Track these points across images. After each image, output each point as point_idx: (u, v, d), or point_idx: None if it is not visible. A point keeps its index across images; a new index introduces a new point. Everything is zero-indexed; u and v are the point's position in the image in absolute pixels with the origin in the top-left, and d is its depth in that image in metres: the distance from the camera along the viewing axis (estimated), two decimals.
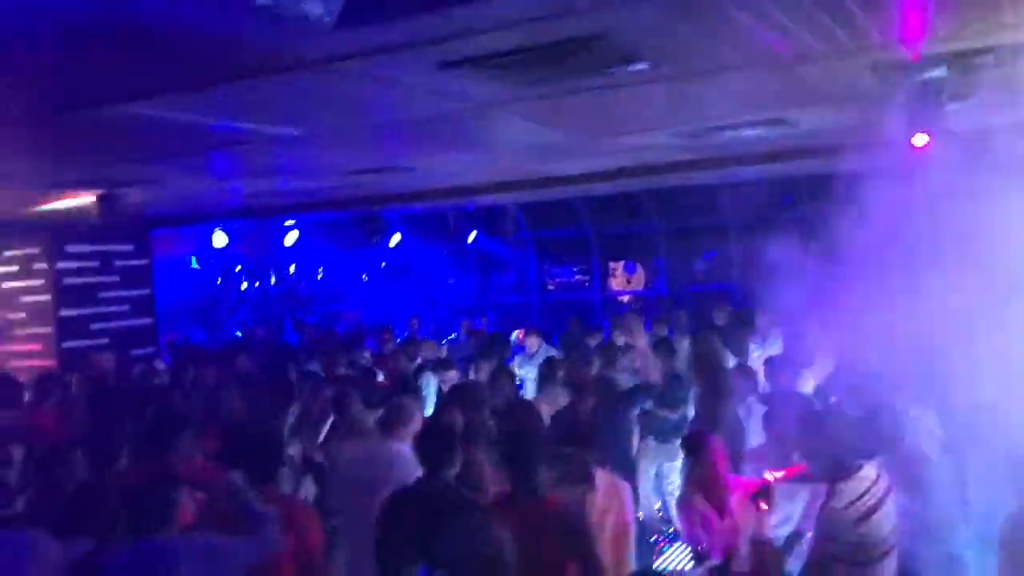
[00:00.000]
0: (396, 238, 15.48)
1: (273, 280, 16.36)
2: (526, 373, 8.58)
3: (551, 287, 17.46)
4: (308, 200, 9.96)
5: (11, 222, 9.79)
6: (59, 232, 10.39)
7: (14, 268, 10.73)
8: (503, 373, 6.99)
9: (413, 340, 9.62)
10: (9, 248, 10.70)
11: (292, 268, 16.60)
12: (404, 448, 4.71)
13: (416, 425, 4.96)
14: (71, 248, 10.65)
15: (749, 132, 6.48)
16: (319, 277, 17.21)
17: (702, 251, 16.11)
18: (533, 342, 9.10)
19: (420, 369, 8.17)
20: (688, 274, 16.34)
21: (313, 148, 6.09)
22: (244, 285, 15.79)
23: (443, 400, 6.53)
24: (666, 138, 6.65)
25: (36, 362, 10.18)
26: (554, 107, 5.23)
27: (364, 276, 17.55)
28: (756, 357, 7.70)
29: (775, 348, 7.80)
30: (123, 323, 11.13)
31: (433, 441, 4.29)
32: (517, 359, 9.00)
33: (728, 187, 11.78)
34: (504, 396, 6.38)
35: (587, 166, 8.24)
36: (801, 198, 12.30)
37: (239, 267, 15.68)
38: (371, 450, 5.11)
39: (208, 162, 6.36)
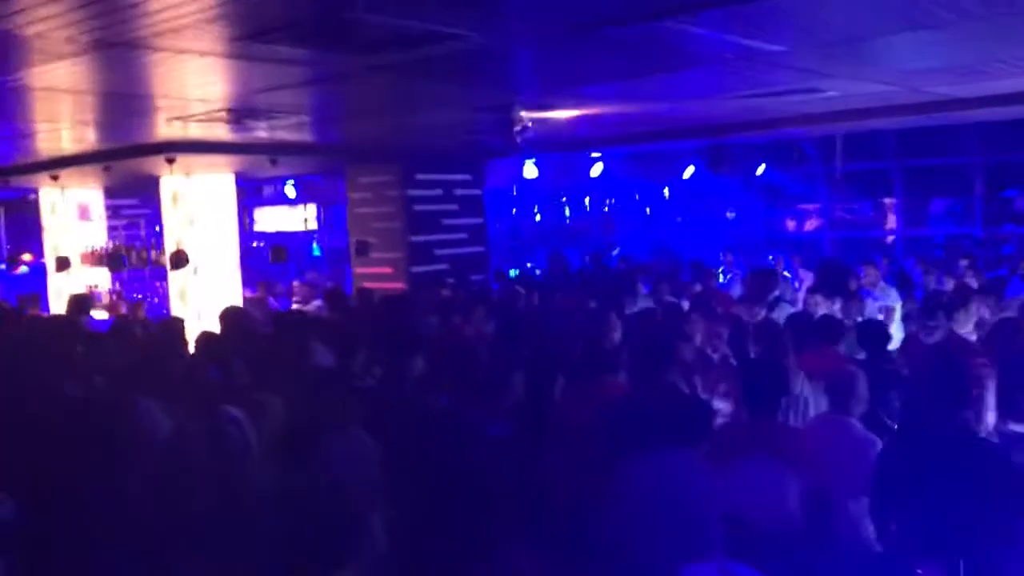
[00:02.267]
0: (690, 170, 15.19)
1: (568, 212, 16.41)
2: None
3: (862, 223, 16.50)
4: (661, 128, 9.70)
5: (368, 150, 10.17)
6: (410, 161, 10.74)
7: (368, 195, 11.21)
8: None
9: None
10: (365, 175, 11.17)
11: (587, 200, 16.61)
12: None
13: None
14: (420, 176, 10.99)
15: None
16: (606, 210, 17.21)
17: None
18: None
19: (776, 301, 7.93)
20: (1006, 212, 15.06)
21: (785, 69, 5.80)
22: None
23: None
24: None
25: (389, 284, 10.65)
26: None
27: (648, 209, 17.37)
28: None
29: None
30: (462, 250, 11.43)
31: None
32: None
33: None
34: None
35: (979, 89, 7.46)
36: None
37: (563, 198, 15.81)
38: None
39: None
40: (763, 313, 7.24)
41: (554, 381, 5.03)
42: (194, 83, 5.57)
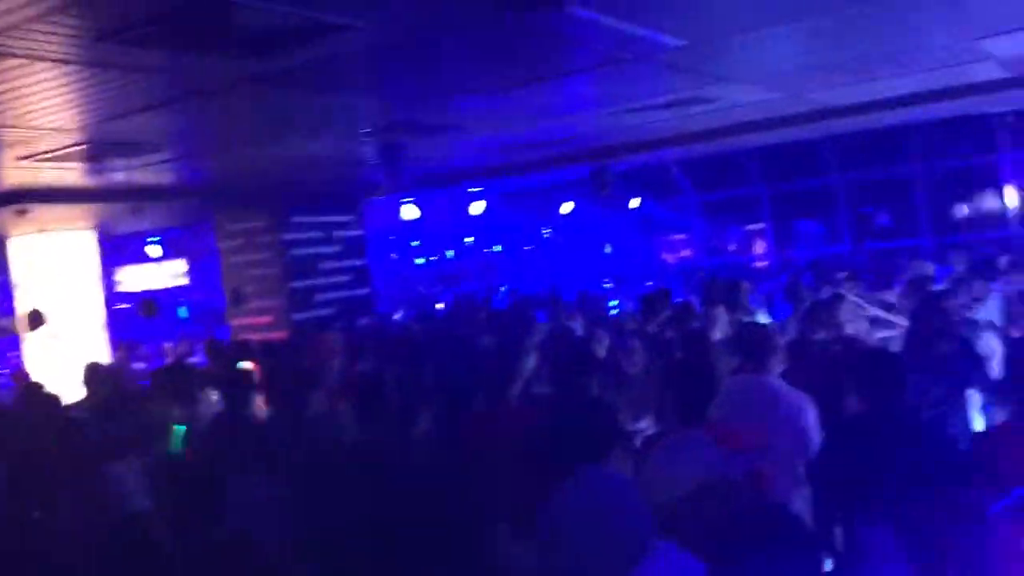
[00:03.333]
0: (568, 206, 15.27)
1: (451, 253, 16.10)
2: None
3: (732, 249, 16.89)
4: (543, 155, 9.54)
5: (239, 191, 9.60)
6: (285, 203, 10.21)
7: (240, 242, 10.58)
8: None
9: None
10: (236, 221, 10.55)
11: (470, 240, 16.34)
12: None
13: None
14: (296, 219, 10.46)
15: None
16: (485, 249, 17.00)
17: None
18: None
19: None
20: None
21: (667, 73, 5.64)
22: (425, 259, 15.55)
23: None
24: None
25: (270, 334, 10.02)
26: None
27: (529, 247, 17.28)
28: None
29: None
30: (345, 294, 10.92)
31: None
32: None
33: None
34: None
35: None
36: None
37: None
38: None
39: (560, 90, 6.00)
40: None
41: (466, 410, 4.71)
42: (41, 105, 4.96)
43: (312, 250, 10.63)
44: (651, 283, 13.41)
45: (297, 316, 10.28)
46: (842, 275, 10.52)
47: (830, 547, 3.76)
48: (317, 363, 6.50)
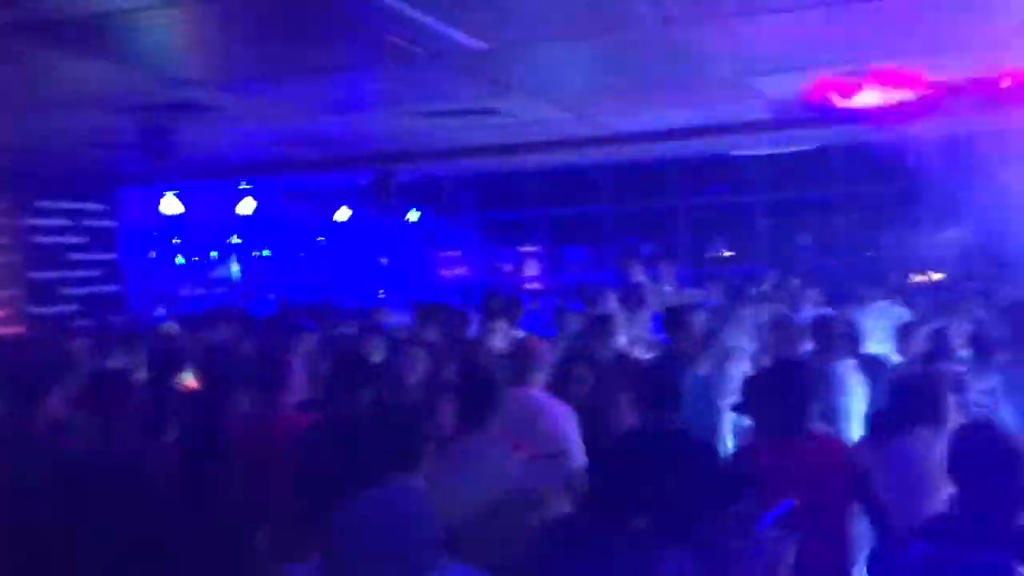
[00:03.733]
0: (345, 212, 14.97)
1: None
2: None
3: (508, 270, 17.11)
4: (323, 154, 9.13)
5: None
6: (28, 184, 9.16)
7: None
8: None
9: None
10: None
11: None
12: None
13: None
14: (40, 204, 9.41)
15: None
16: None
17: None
18: None
19: None
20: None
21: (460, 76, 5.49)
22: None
23: None
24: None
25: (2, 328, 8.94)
26: None
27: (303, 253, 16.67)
28: None
29: None
30: (95, 289, 9.95)
31: None
32: None
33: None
34: None
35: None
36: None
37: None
38: None
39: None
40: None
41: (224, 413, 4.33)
42: None
43: (57, 239, 9.61)
44: (426, 296, 13.28)
45: (36, 310, 9.22)
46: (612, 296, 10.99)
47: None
48: (55, 363, 5.78)
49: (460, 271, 17.48)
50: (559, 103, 6.80)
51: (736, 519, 3.23)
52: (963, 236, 11.76)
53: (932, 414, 4.06)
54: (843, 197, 13.40)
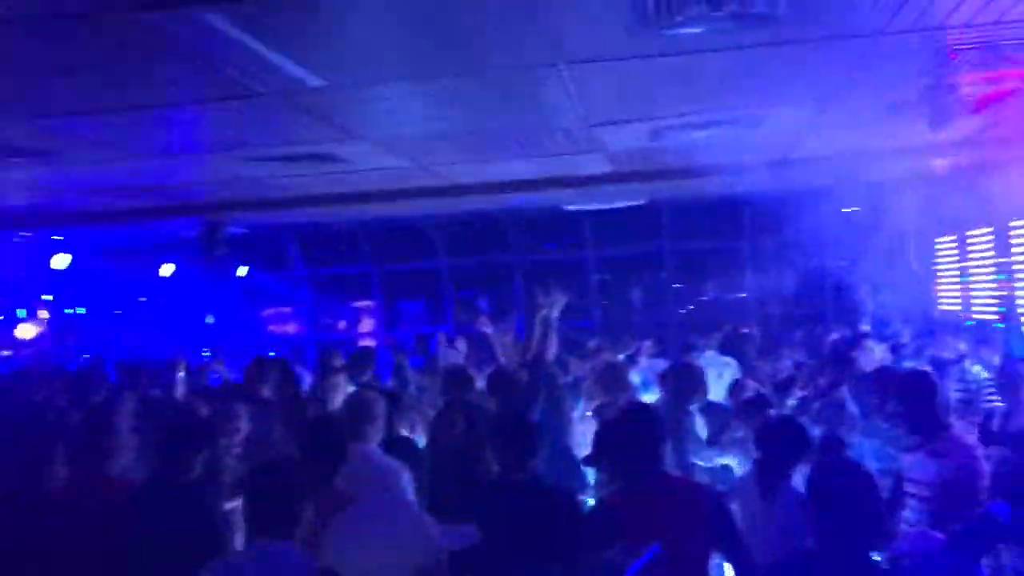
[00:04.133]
0: (169, 268, 14.30)
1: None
2: None
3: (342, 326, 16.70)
4: (144, 203, 8.59)
5: None
6: None
7: None
8: None
9: None
10: None
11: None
12: None
13: None
14: None
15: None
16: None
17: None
18: None
19: None
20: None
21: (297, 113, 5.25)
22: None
23: None
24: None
25: None
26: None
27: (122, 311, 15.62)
28: None
29: None
30: None
31: None
32: None
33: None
34: None
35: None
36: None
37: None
38: None
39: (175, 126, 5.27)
40: None
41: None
42: None
43: None
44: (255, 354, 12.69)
45: None
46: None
47: None
48: None
49: (290, 328, 16.96)
50: (398, 150, 6.66)
51: (604, 570, 3.13)
52: (786, 286, 12.40)
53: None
54: (671, 251, 13.88)
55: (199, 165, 6.86)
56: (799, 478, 4.11)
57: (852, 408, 5.94)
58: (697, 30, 4.08)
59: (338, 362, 8.54)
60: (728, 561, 3.63)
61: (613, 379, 6.21)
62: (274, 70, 4.35)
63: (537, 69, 4.64)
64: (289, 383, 7.21)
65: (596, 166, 7.59)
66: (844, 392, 5.96)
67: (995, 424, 5.57)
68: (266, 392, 6.93)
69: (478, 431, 4.52)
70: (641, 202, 10.70)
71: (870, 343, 7.24)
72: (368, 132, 5.98)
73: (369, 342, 16.31)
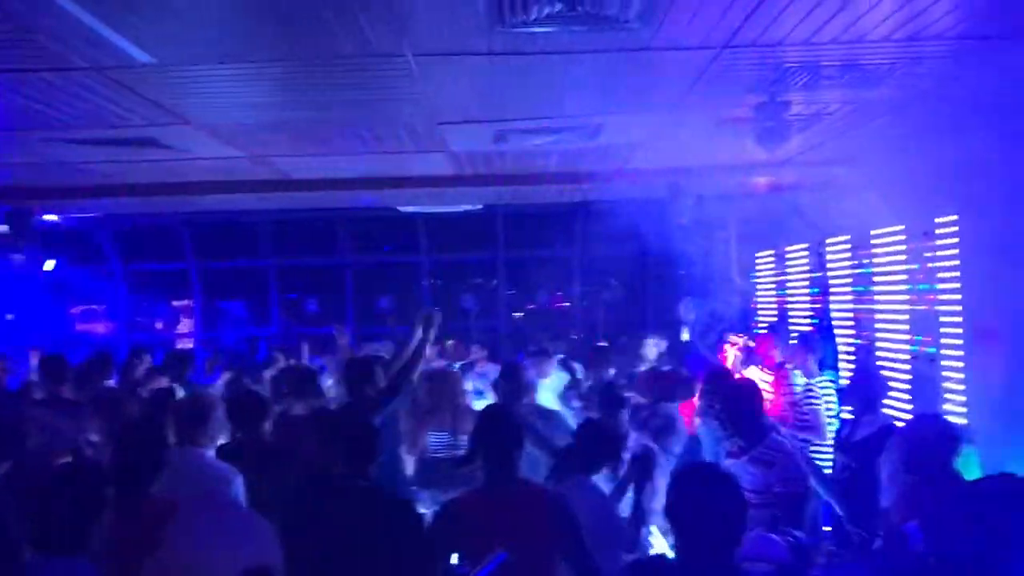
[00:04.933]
0: None
1: None
2: None
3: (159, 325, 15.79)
4: None
5: None
6: None
7: None
8: None
9: None
10: None
11: None
12: None
13: None
14: None
15: None
16: None
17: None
18: None
19: None
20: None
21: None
22: None
23: None
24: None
25: None
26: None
27: None
28: None
29: None
30: None
31: None
32: None
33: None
34: None
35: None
36: None
37: None
38: None
39: None
40: None
41: None
42: None
43: None
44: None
45: None
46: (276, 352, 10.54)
47: None
48: None
49: (101, 327, 15.93)
50: (230, 139, 6.30)
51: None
52: (613, 295, 12.73)
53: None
54: (504, 258, 13.96)
55: (5, 147, 6.24)
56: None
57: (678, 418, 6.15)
58: (549, 30, 4.07)
59: (146, 363, 8.10)
60: (571, 567, 3.59)
61: (443, 387, 6.09)
62: (98, 42, 3.99)
63: (383, 60, 4.47)
64: (99, 382, 6.76)
65: (437, 167, 7.47)
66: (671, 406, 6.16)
67: (844, 433, 5.91)
68: (67, 393, 6.49)
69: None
70: (479, 206, 10.67)
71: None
72: (198, 117, 5.61)
73: (187, 343, 15.55)
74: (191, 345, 15.33)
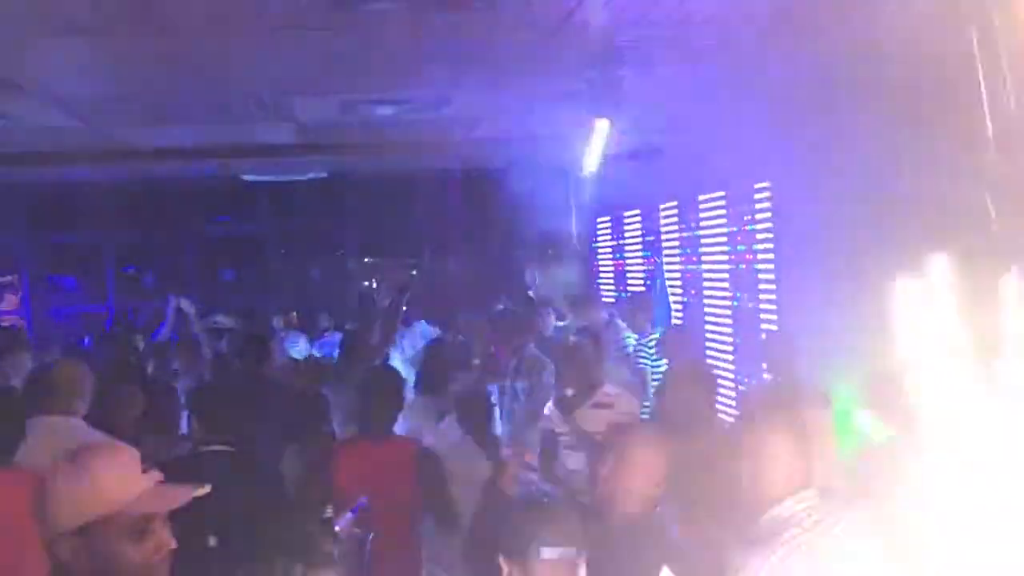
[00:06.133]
0: None
1: None
2: None
3: None
4: None
5: None
6: None
7: None
8: None
9: None
10: None
11: None
12: None
13: None
14: None
15: None
16: None
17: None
18: None
19: None
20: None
21: None
22: None
23: None
24: None
25: None
26: None
27: None
28: None
29: None
30: None
31: None
32: None
33: None
34: None
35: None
36: None
37: None
38: None
39: None
40: None
41: None
42: None
43: None
44: None
45: None
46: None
47: None
48: None
49: None
50: (68, 108, 6.12)
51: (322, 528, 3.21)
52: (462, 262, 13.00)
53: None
54: (350, 229, 13.91)
55: None
56: None
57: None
58: (392, 6, 4.22)
59: None
60: (433, 516, 3.83)
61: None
62: None
63: (232, 31, 4.50)
64: None
65: (283, 136, 7.47)
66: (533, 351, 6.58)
67: None
68: None
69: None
70: (324, 175, 10.65)
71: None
72: (35, 85, 5.44)
73: (14, 320, 14.73)
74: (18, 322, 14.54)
